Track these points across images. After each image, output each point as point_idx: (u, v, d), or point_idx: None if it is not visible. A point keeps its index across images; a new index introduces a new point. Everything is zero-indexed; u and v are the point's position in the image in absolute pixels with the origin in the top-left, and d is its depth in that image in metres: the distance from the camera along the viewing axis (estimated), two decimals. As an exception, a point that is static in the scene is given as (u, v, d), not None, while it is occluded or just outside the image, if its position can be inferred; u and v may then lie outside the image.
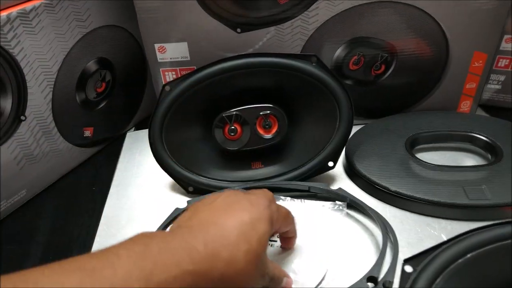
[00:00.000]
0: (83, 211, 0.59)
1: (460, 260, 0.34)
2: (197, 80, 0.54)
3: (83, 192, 0.63)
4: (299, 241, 0.48)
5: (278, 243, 0.48)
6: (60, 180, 0.65)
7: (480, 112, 0.73)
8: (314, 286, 0.43)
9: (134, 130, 0.76)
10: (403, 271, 0.34)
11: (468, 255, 0.35)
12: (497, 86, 0.71)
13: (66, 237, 0.55)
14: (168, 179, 0.58)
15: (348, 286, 0.41)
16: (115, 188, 0.62)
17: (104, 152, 0.72)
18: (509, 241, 0.35)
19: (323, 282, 0.44)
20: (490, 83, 0.71)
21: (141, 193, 0.61)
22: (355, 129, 0.64)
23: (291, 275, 0.44)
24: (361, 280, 0.41)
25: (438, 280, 0.33)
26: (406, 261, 0.35)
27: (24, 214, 0.59)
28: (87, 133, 0.67)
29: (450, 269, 0.34)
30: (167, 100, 0.54)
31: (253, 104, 0.55)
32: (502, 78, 0.70)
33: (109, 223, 0.56)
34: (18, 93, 0.54)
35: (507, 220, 0.39)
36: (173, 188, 0.60)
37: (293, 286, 0.42)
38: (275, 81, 0.55)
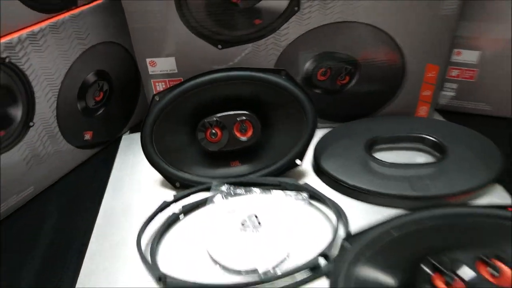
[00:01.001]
0: (84, 204, 0.68)
1: (387, 237, 0.43)
2: (182, 91, 0.62)
3: (83, 188, 0.72)
4: (266, 226, 0.56)
5: (250, 227, 0.57)
6: (63, 178, 0.74)
7: (438, 117, 0.81)
8: (277, 263, 0.52)
9: (129, 134, 0.85)
10: (342, 247, 0.43)
11: (394, 233, 0.43)
12: (452, 93, 0.80)
13: (70, 225, 0.64)
14: (158, 176, 0.67)
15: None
16: (111, 185, 0.70)
17: (102, 153, 0.81)
18: (426, 223, 0.44)
19: (284, 261, 0.52)
20: (445, 90, 0.80)
21: (134, 188, 0.69)
22: (322, 132, 0.74)
23: (263, 251, 0.52)
24: (315, 257, 0.50)
25: (368, 253, 0.42)
26: (345, 239, 0.44)
27: (32, 208, 0.68)
28: (87, 136, 0.76)
29: (378, 245, 0.42)
30: (156, 109, 0.63)
31: (231, 111, 0.64)
32: (454, 86, 0.79)
33: (107, 213, 0.64)
34: (27, 102, 0.63)
35: (428, 206, 0.47)
36: (162, 184, 0.68)
37: (259, 265, 0.51)
38: (251, 92, 0.64)
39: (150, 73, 0.72)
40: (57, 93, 0.67)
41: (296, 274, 0.49)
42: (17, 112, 0.62)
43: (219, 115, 0.63)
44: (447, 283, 0.37)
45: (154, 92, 0.71)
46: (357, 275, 0.40)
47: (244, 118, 0.63)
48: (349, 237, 0.43)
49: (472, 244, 0.40)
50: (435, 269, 0.38)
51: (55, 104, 0.68)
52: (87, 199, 0.69)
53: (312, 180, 0.67)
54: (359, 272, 0.40)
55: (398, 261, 0.41)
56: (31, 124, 0.64)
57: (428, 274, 0.38)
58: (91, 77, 0.73)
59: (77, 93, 0.71)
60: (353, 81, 0.74)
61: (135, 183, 0.70)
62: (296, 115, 0.63)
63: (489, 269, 0.37)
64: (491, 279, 0.37)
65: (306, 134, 0.64)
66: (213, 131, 0.64)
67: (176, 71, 0.72)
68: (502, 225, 0.42)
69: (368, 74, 0.73)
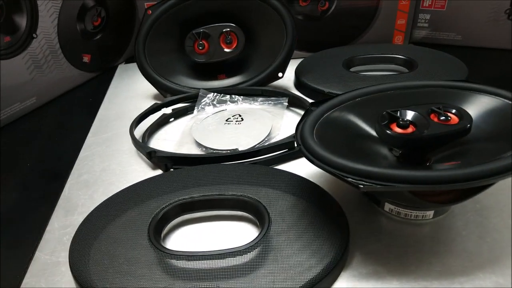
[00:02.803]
0: (80, 115, 0.73)
1: (349, 102, 0.49)
2: (172, 4, 0.68)
3: (81, 104, 0.78)
4: (247, 121, 0.62)
5: (233, 122, 0.63)
6: (63, 94, 0.80)
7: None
8: (259, 141, 0.57)
9: (124, 64, 0.91)
10: (308, 110, 0.48)
11: (357, 99, 0.49)
12: (425, 25, 0.85)
13: (68, 129, 0.69)
14: (152, 91, 0.72)
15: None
16: (107, 98, 0.76)
17: (100, 78, 0.86)
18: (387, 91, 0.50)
19: (266, 140, 0.58)
20: (419, 22, 0.86)
21: (128, 101, 0.75)
22: (302, 58, 0.79)
23: (244, 138, 0.58)
24: (291, 135, 0.56)
25: (332, 111, 0.47)
26: (311, 104, 0.49)
27: (36, 114, 0.74)
28: (85, 59, 0.82)
29: (342, 105, 0.48)
30: (149, 21, 0.68)
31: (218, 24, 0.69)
32: (428, 16, 0.85)
33: (102, 118, 0.70)
34: (31, 13, 0.69)
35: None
36: (155, 97, 0.74)
37: (247, 143, 0.56)
38: (236, 6, 0.69)
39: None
40: (58, 10, 0.73)
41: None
42: (22, 21, 0.68)
43: (205, 26, 0.69)
44: (401, 126, 0.43)
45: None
46: (323, 120, 0.45)
47: (229, 29, 0.69)
48: (316, 103, 0.49)
49: (425, 103, 0.46)
50: (392, 118, 0.44)
51: (56, 21, 0.73)
52: (85, 112, 0.74)
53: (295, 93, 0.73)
54: (325, 119, 0.46)
55: (361, 114, 0.47)
56: (34, 35, 0.70)
57: (387, 122, 0.44)
58: (89, 1, 0.79)
59: (77, 14, 0.77)
60: (332, 8, 0.80)
61: (129, 97, 0.76)
62: (277, 28, 0.69)
63: (441, 117, 0.43)
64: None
65: (287, 46, 0.69)
66: (201, 42, 0.69)
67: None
68: (448, 90, 0.48)
69: (345, 1, 0.79)
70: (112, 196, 0.48)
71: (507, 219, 0.44)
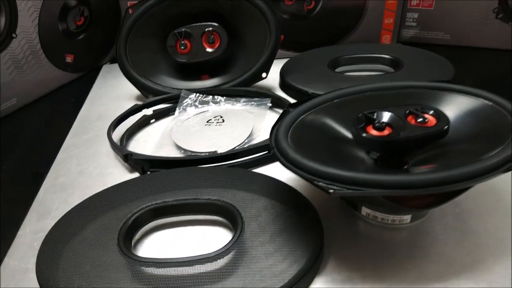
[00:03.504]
0: (61, 116, 0.72)
1: (327, 103, 0.48)
2: (154, 3, 0.67)
3: (64, 104, 0.77)
4: (228, 123, 0.61)
5: (214, 123, 0.61)
6: (46, 95, 0.78)
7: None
8: (240, 143, 0.56)
9: (109, 64, 0.90)
10: (285, 110, 0.47)
11: (335, 100, 0.48)
12: (413, 24, 0.84)
13: (49, 129, 0.68)
14: (135, 92, 0.71)
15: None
16: (89, 99, 0.75)
17: (84, 79, 0.85)
18: (365, 92, 0.49)
19: (246, 142, 0.57)
20: (407, 21, 0.85)
21: (111, 102, 0.74)
22: (288, 57, 0.78)
23: (224, 139, 0.57)
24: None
25: (308, 113, 0.46)
26: (289, 106, 0.48)
27: (16, 116, 0.73)
28: (68, 59, 0.80)
29: (319, 107, 0.47)
30: (131, 20, 0.67)
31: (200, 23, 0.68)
32: (416, 15, 0.84)
33: (83, 119, 0.69)
34: (10, 12, 0.67)
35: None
36: (138, 98, 0.73)
37: (227, 145, 0.55)
38: (218, 5, 0.68)
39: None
40: (39, 10, 0.72)
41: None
42: (0, 21, 0.66)
43: (187, 26, 0.68)
44: (377, 129, 0.42)
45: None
46: (299, 123, 0.44)
47: (211, 29, 0.68)
48: (293, 104, 0.48)
49: (404, 104, 0.45)
50: (368, 120, 0.43)
51: (37, 21, 0.72)
52: (67, 113, 0.73)
53: (279, 94, 0.72)
54: (301, 121, 0.45)
55: (338, 116, 0.46)
56: (14, 35, 0.69)
57: (363, 124, 0.43)
58: (72, 1, 0.77)
59: (59, 13, 0.76)
60: (318, 7, 0.78)
61: (113, 97, 0.75)
62: (260, 28, 0.68)
63: (418, 119, 0.42)
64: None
65: (270, 46, 0.68)
66: (183, 42, 0.68)
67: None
68: (428, 91, 0.47)
69: (332, 0, 0.78)
70: (84, 200, 0.47)
71: (486, 223, 0.43)
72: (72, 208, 0.45)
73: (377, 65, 0.75)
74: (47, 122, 0.71)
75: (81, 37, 0.82)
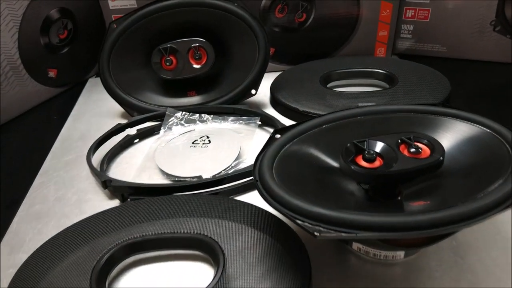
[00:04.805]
0: (42, 135, 0.69)
1: (316, 129, 0.45)
2: (138, 17, 0.64)
3: (46, 122, 0.74)
4: (216, 144, 0.58)
5: (200, 144, 0.59)
6: (27, 112, 0.76)
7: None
8: (226, 167, 0.54)
9: (95, 77, 0.87)
10: (271, 138, 0.45)
11: (324, 126, 0.46)
12: (408, 36, 0.82)
13: (28, 151, 0.66)
14: (119, 110, 0.69)
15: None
16: (72, 117, 0.72)
17: (68, 93, 0.82)
18: (355, 116, 0.46)
19: (234, 164, 0.54)
20: (402, 33, 0.82)
21: (94, 120, 0.71)
22: (281, 71, 0.76)
23: (210, 163, 0.54)
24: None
25: (295, 140, 0.44)
26: (275, 132, 0.45)
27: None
28: (51, 74, 0.78)
29: (307, 133, 0.44)
30: (114, 35, 0.65)
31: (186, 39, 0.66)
32: (411, 27, 0.81)
33: (64, 139, 0.66)
34: (-13, 28, 0.65)
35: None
36: (123, 116, 0.70)
37: (203, 173, 0.53)
38: (204, 20, 0.65)
39: (110, 7, 0.74)
40: (18, 24, 0.69)
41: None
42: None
43: (173, 41, 0.65)
44: (367, 160, 0.39)
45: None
46: (284, 153, 0.42)
47: (197, 44, 0.65)
48: (279, 130, 0.45)
49: (396, 131, 0.42)
50: (358, 150, 0.40)
51: (17, 35, 0.69)
52: (50, 130, 0.70)
53: (269, 112, 0.69)
54: (286, 151, 0.42)
55: (326, 144, 0.44)
56: (-9, 52, 0.66)
57: (353, 154, 0.40)
58: (54, 13, 0.75)
59: (40, 27, 0.73)
60: (310, 19, 0.76)
61: (97, 115, 0.72)
62: (249, 43, 0.65)
63: (411, 149, 0.39)
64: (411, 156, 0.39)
65: (260, 62, 0.65)
66: (168, 58, 0.65)
67: (135, 5, 0.73)
68: (422, 116, 0.45)
69: (323, 12, 0.75)
70: (58, 234, 0.44)
71: (485, 258, 0.40)
72: (44, 244, 0.43)
73: (371, 80, 0.72)
74: (26, 142, 0.68)
75: (64, 51, 0.79)
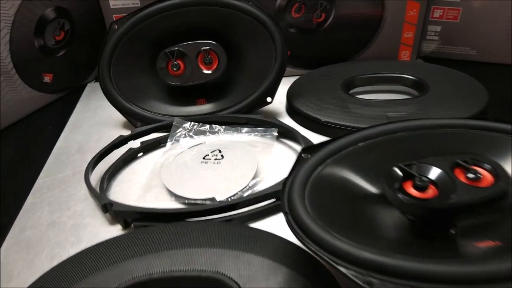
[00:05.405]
0: (36, 147, 0.63)
1: (350, 148, 0.39)
2: (142, 17, 0.58)
3: (41, 131, 0.67)
4: (230, 159, 0.52)
5: (211, 160, 0.52)
6: (21, 120, 0.69)
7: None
8: (242, 187, 0.47)
9: (94, 82, 0.81)
10: (299, 157, 0.38)
11: (359, 144, 0.39)
12: (435, 38, 0.75)
13: (22, 164, 0.59)
14: (120, 119, 0.62)
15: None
16: (69, 126, 0.66)
17: (65, 100, 0.76)
18: (395, 133, 0.40)
19: (251, 185, 0.48)
20: (429, 35, 0.76)
21: (93, 130, 0.65)
22: (298, 76, 0.69)
23: (223, 182, 0.48)
24: (278, 183, 0.46)
25: (327, 162, 0.37)
26: (303, 151, 0.39)
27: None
28: (47, 79, 0.71)
29: (341, 153, 0.38)
30: (115, 37, 0.58)
31: (195, 41, 0.59)
32: (438, 28, 0.75)
33: (60, 153, 0.60)
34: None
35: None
36: (125, 126, 0.64)
37: (217, 194, 0.46)
38: (216, 20, 0.59)
39: (111, 7, 0.68)
40: (10, 25, 0.63)
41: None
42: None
43: (181, 44, 0.59)
44: (419, 188, 0.33)
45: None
46: (316, 178, 0.35)
47: (208, 48, 0.59)
48: (307, 148, 0.39)
49: (446, 151, 0.36)
50: (406, 175, 0.34)
51: (8, 37, 0.63)
52: (44, 141, 0.64)
53: (286, 121, 0.63)
54: (319, 175, 0.36)
55: (363, 166, 0.37)
56: (-21, 55, 0.60)
57: (399, 180, 0.34)
58: (50, 13, 0.68)
59: (34, 28, 0.67)
60: (330, 19, 0.69)
61: (96, 124, 0.66)
62: (265, 46, 0.59)
63: (468, 174, 0.33)
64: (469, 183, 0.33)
65: (276, 67, 0.59)
66: (175, 62, 0.59)
67: (139, 4, 0.67)
68: (475, 133, 0.38)
69: (344, 11, 0.69)
70: (52, 269, 0.38)
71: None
72: (35, 282, 0.36)
73: (397, 86, 0.66)
74: (17, 156, 0.62)
75: (61, 53, 0.72)
